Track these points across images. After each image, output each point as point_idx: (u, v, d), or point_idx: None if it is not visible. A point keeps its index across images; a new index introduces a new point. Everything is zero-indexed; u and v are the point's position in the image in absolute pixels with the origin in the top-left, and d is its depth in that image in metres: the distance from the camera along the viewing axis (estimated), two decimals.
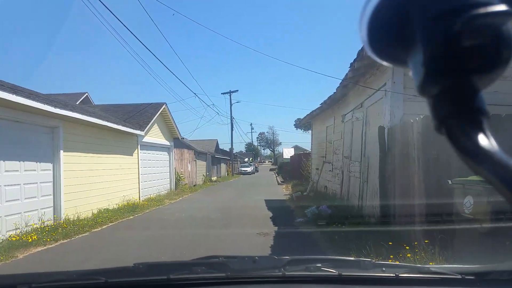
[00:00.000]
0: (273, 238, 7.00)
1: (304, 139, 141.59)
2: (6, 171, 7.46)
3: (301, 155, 24.75)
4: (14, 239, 6.84)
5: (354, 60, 7.13)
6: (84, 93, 22.56)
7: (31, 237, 6.90)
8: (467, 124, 0.38)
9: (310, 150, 19.90)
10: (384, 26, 0.40)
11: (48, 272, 2.21)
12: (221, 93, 49.13)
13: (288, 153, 47.35)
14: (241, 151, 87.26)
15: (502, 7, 0.35)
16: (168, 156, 18.98)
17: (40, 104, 7.93)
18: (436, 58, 0.38)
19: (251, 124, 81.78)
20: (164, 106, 17.37)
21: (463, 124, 0.39)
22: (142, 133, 14.33)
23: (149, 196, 15.22)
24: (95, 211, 10.50)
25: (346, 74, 8.05)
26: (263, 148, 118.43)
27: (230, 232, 7.81)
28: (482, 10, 0.35)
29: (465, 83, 0.39)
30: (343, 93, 9.67)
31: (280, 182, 27.39)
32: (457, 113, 0.39)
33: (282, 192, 18.45)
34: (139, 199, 14.03)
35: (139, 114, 15.92)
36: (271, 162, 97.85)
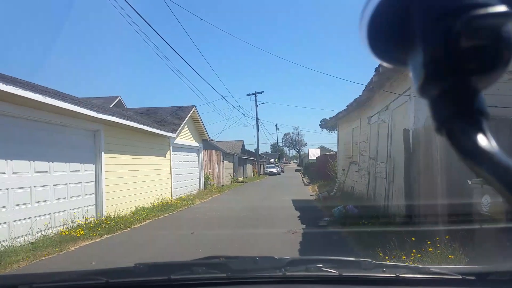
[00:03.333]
0: (302, 235, 7.35)
1: (330, 140, 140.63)
2: (55, 171, 8.15)
3: (327, 156, 24.88)
4: (64, 233, 7.50)
5: (379, 65, 7.40)
6: (117, 97, 23.43)
7: (78, 232, 7.54)
8: (467, 125, 0.39)
9: (336, 151, 20.08)
10: (384, 27, 0.41)
11: (48, 272, 2.45)
12: (247, 95, 49.80)
13: (313, 153, 47.35)
14: (266, 152, 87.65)
15: (502, 8, 0.35)
16: (197, 157, 19.62)
17: (84, 109, 8.60)
18: (436, 59, 0.38)
19: (276, 125, 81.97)
20: (193, 109, 18.01)
21: (463, 125, 0.39)
22: (174, 135, 14.97)
23: (180, 195, 15.86)
24: (133, 209, 11.16)
25: (372, 78, 8.32)
26: (288, 148, 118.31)
27: (260, 230, 8.21)
28: (482, 11, 0.35)
29: (465, 84, 0.39)
30: (369, 96, 9.92)
31: (306, 182, 27.52)
32: (457, 114, 0.39)
33: (309, 192, 18.68)
34: (172, 198, 14.67)
35: (170, 117, 16.60)
36: (296, 163, 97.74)
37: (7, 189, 6.82)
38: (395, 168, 7.71)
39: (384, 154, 8.53)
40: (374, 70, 7.75)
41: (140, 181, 12.04)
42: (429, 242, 4.46)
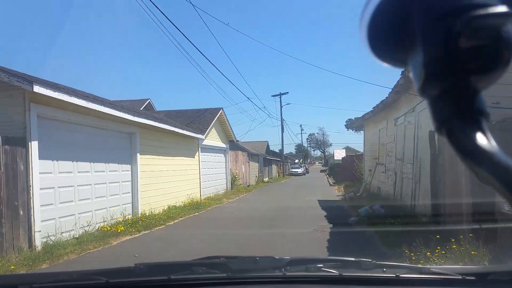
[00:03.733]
0: (329, 234, 7.59)
1: (356, 140, 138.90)
2: (95, 171, 8.73)
3: (353, 157, 24.85)
4: (106, 229, 8.05)
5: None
6: (147, 100, 24.19)
7: (119, 228, 8.07)
8: (467, 125, 0.39)
9: (362, 152, 20.09)
10: (384, 27, 0.41)
11: (48, 272, 2.44)
12: (271, 96, 50.10)
13: (339, 154, 47.06)
14: (291, 153, 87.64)
15: (502, 8, 0.35)
16: (224, 158, 20.09)
17: (122, 113, 9.14)
18: (436, 59, 0.38)
19: (300, 126, 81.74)
20: (221, 111, 18.48)
21: (463, 125, 0.39)
22: (203, 136, 15.47)
23: (208, 195, 16.34)
24: (165, 208, 11.68)
25: (398, 81, 8.48)
26: (313, 149, 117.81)
27: (287, 229, 8.48)
28: (482, 11, 0.35)
29: (465, 84, 0.39)
30: (395, 98, 10.04)
31: (331, 183, 27.49)
32: (457, 114, 0.39)
33: (335, 193, 18.77)
34: (201, 197, 15.16)
35: (199, 119, 17.13)
36: (321, 163, 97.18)
37: (53, 187, 7.40)
38: (422, 168, 7.84)
39: (411, 155, 8.67)
40: (400, 73, 7.92)
41: (171, 181, 12.56)
42: (453, 240, 4.64)
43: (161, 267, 1.58)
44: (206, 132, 16.02)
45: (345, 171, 24.63)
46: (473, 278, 1.34)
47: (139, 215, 9.96)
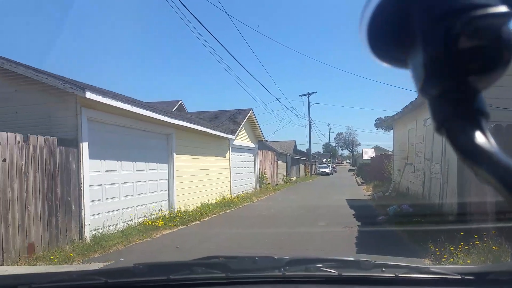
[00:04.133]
0: (357, 231, 7.87)
1: (385, 139, 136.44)
2: (137, 170, 9.37)
3: (382, 156, 24.75)
4: (148, 223, 8.67)
5: None
6: (179, 101, 25.05)
7: (159, 223, 8.67)
8: (467, 125, 0.39)
9: (391, 151, 20.07)
10: (384, 27, 0.41)
11: (48, 272, 2.55)
12: (299, 95, 50.24)
13: (368, 153, 46.67)
14: (318, 152, 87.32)
15: (502, 9, 0.36)
16: (253, 157, 20.58)
17: (161, 116, 9.76)
18: (436, 59, 0.38)
19: (328, 125, 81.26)
20: (250, 112, 18.97)
21: (463, 125, 0.39)
22: (233, 137, 15.99)
23: (238, 193, 16.86)
24: (198, 205, 12.25)
25: None
26: (341, 148, 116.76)
27: (315, 227, 8.78)
28: (482, 12, 0.36)
29: (465, 84, 0.39)
30: (424, 100, 10.15)
31: (360, 183, 27.43)
32: (457, 114, 0.39)
33: (363, 192, 18.84)
34: (231, 195, 15.70)
35: (229, 120, 17.68)
36: (349, 163, 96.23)
37: (101, 185, 8.06)
38: (449, 169, 8.00)
39: (439, 155, 8.82)
40: None
41: (203, 179, 13.14)
42: (475, 236, 4.88)
43: (161, 267, 1.57)
44: (236, 133, 16.54)
45: (374, 170, 24.58)
46: (472, 277, 1.34)
47: (175, 211, 10.56)
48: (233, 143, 16.60)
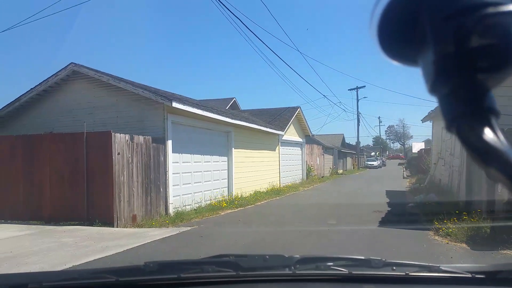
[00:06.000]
0: (385, 214, 9.53)
1: None
2: (204, 161, 11.63)
3: (426, 150, 25.48)
4: (214, 204, 10.93)
5: None
6: (232, 99, 26.98)
7: (223, 204, 10.89)
8: (477, 123, 0.39)
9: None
10: (395, 25, 0.41)
11: (58, 271, 2.63)
12: (348, 90, 50.92)
13: (417, 147, 46.53)
14: (368, 145, 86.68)
15: None
16: (300, 151, 22.41)
17: (224, 117, 11.95)
18: (446, 57, 0.38)
19: (378, 118, 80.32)
20: (298, 110, 20.79)
21: (473, 123, 0.39)
22: (282, 133, 17.94)
23: (286, 183, 18.83)
24: (252, 192, 14.39)
25: None
26: (392, 141, 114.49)
27: (353, 210, 10.54)
28: (493, 10, 0.36)
29: (476, 82, 0.39)
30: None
31: (405, 176, 27.77)
32: (467, 112, 0.39)
33: (405, 185, 19.85)
34: (280, 185, 17.71)
35: (279, 117, 19.62)
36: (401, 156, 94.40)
37: (179, 173, 10.36)
38: (463, 163, 9.41)
39: (458, 150, 10.18)
40: None
41: (257, 170, 15.26)
42: (465, 213, 6.51)
43: (171, 265, 1.57)
44: (286, 129, 18.46)
45: (418, 164, 25.31)
46: (483, 276, 1.33)
47: (233, 196, 12.75)
48: (282, 138, 18.52)
